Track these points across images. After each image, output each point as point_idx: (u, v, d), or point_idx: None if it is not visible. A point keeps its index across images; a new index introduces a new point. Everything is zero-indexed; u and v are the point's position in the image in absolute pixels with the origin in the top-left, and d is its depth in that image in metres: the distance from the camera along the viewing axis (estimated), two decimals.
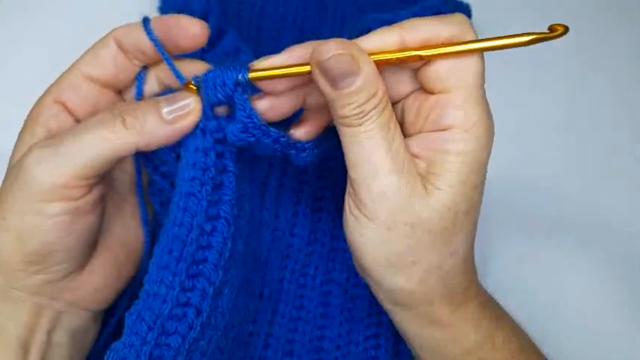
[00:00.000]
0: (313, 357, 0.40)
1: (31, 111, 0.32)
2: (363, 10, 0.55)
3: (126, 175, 0.35)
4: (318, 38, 0.52)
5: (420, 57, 0.28)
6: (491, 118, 0.29)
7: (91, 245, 0.32)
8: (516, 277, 0.44)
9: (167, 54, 0.31)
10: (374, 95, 0.28)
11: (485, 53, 0.28)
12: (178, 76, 0.31)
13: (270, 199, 0.40)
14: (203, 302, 0.29)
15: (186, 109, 0.29)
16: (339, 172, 0.41)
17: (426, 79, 0.29)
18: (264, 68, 0.29)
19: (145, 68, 0.33)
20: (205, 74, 0.29)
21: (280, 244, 0.40)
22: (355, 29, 0.40)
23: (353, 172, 0.29)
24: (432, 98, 0.29)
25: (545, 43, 0.48)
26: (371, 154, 0.28)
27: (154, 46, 0.31)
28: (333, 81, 0.27)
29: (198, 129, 0.30)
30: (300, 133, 0.32)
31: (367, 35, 0.28)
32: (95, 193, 0.30)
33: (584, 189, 0.49)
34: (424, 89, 0.30)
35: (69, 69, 0.32)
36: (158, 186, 0.34)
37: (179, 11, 0.45)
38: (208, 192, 0.29)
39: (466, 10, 0.50)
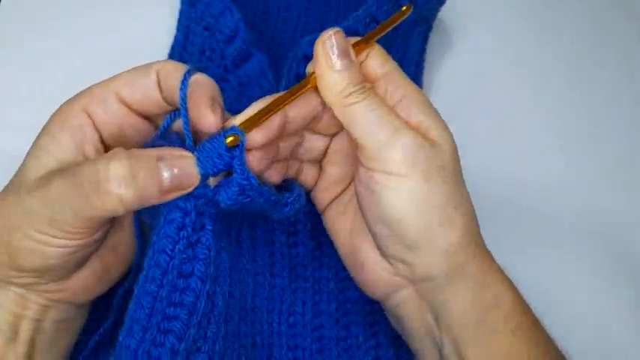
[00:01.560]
0: None
1: (57, 114, 0.31)
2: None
3: None
4: None
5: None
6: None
7: (86, 259, 0.33)
8: (513, 276, 0.44)
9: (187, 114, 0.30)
10: (362, 85, 0.32)
11: (489, 53, 0.31)
12: (190, 146, 0.30)
13: (246, 247, 0.39)
14: (174, 359, 0.29)
15: (187, 180, 0.29)
16: (308, 202, 0.40)
17: (366, 74, 0.34)
18: (251, 116, 0.30)
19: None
20: (199, 150, 0.29)
21: (263, 288, 0.40)
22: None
23: (372, 141, 0.31)
24: (379, 84, 0.34)
25: (544, 43, 0.47)
26: (385, 118, 0.31)
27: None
28: (345, 52, 0.31)
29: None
30: (269, 175, 0.34)
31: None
32: (100, 232, 0.31)
33: (583, 188, 0.49)
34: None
35: (102, 83, 0.32)
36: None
37: (207, 29, 0.46)
38: (182, 250, 0.29)
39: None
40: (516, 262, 0.44)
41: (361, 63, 0.33)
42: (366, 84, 0.32)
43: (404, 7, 0.36)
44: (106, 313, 0.36)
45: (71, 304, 0.34)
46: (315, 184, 0.38)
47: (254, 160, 0.31)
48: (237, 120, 0.31)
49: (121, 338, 0.29)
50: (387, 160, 0.31)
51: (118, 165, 0.27)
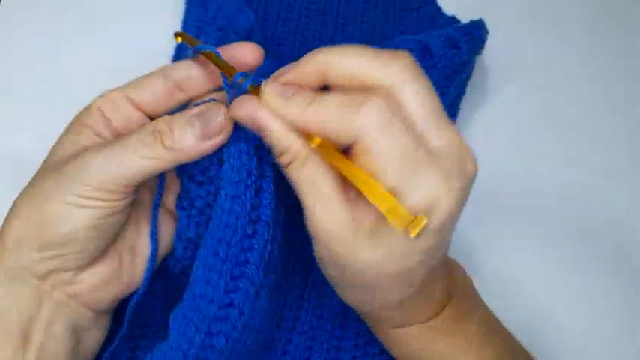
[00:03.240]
0: None
1: (78, 116, 0.34)
2: (365, 18, 0.55)
3: (148, 185, 0.36)
4: (320, 45, 0.53)
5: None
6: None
7: (109, 244, 0.33)
8: (509, 276, 0.45)
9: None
10: (286, 151, 0.28)
11: (485, 54, 0.28)
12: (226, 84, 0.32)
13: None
14: (245, 303, 0.30)
15: (219, 127, 0.31)
16: None
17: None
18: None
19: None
20: (227, 152, 0.31)
21: (305, 254, 0.39)
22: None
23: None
24: None
25: (544, 42, 0.47)
26: (301, 196, 0.29)
27: (198, 79, 0.34)
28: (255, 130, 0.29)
29: (242, 134, 0.31)
30: None
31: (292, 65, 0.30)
32: (129, 198, 0.32)
33: (581, 187, 0.49)
34: None
35: (114, 89, 0.34)
36: (191, 195, 0.34)
37: (220, 29, 0.47)
38: (251, 195, 0.30)
39: (485, 33, 0.50)
40: (514, 262, 0.46)
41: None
42: (283, 162, 0.29)
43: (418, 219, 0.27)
44: (119, 325, 0.36)
45: (84, 308, 0.33)
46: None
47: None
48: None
49: (193, 288, 0.30)
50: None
51: (161, 123, 0.31)
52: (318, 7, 0.55)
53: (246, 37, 0.46)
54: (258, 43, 0.45)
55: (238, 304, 0.30)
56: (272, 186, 0.31)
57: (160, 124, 0.31)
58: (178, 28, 0.51)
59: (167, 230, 0.37)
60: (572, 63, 0.54)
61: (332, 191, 0.28)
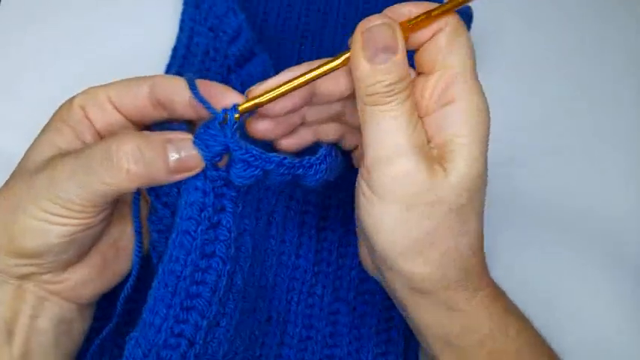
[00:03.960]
0: None
1: (58, 112, 0.33)
2: (365, 16, 0.55)
3: None
4: (320, 45, 0.53)
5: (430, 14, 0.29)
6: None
7: (86, 250, 0.33)
8: (513, 275, 0.44)
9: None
10: (404, 78, 0.29)
11: (484, 54, 0.29)
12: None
13: (276, 227, 0.40)
14: (196, 334, 0.30)
15: (192, 162, 0.30)
16: (344, 190, 0.41)
17: (424, 61, 0.30)
18: (262, 93, 0.31)
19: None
20: (196, 136, 0.30)
21: (287, 268, 0.41)
22: None
23: (372, 152, 0.29)
24: (433, 77, 0.30)
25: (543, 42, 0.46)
26: (394, 134, 0.29)
27: (185, 104, 0.32)
28: (374, 53, 0.28)
29: (200, 172, 0.31)
30: (287, 143, 0.34)
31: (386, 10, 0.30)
32: (104, 213, 0.31)
33: (584, 188, 0.49)
34: (423, 72, 0.31)
35: (99, 86, 0.33)
36: (159, 214, 0.34)
37: (212, 30, 0.47)
38: (204, 231, 0.30)
39: (468, 17, 0.50)
40: (512, 261, 0.45)
41: (424, 43, 0.30)
42: (397, 87, 0.29)
43: None
44: (109, 314, 0.36)
45: (70, 302, 0.33)
46: (356, 148, 0.38)
47: (267, 129, 0.32)
48: (259, 89, 0.31)
49: (144, 316, 0.30)
50: (375, 179, 0.30)
51: (129, 142, 0.29)
52: (318, 7, 0.55)
53: (235, 37, 0.46)
54: (247, 41, 0.46)
55: (188, 335, 0.30)
56: (232, 221, 0.31)
57: (129, 146, 0.29)
58: (176, 28, 0.51)
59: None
60: (572, 64, 0.54)
61: (422, 130, 0.30)
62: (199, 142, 0.30)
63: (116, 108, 0.33)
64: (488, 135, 0.30)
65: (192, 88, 0.31)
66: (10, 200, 0.30)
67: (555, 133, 0.51)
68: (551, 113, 0.52)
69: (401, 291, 0.33)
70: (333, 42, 0.54)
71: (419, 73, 0.32)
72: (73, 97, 0.33)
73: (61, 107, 0.33)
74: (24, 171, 0.31)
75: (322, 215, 0.43)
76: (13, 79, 0.50)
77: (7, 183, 0.32)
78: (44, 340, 0.32)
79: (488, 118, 0.30)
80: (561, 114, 0.52)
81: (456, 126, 0.29)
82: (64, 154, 0.30)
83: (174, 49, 0.50)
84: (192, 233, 0.30)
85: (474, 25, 0.50)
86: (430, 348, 0.34)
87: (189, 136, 0.30)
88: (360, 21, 0.54)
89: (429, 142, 0.30)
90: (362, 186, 0.31)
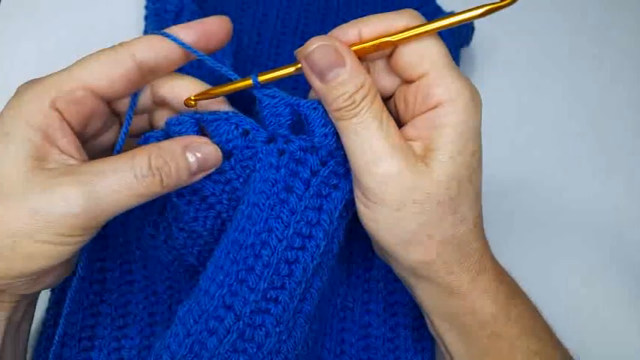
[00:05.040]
0: None
1: (16, 113, 0.29)
2: (365, 16, 0.55)
3: None
4: None
5: (392, 42, 0.29)
6: (472, 86, 0.30)
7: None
8: (513, 275, 0.44)
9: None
10: (362, 85, 0.29)
11: (483, 54, 0.28)
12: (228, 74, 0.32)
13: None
14: (243, 308, 0.30)
15: (210, 160, 0.31)
16: None
17: (402, 71, 0.30)
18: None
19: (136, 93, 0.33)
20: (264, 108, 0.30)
21: (332, 280, 0.41)
22: None
23: (354, 161, 0.30)
24: (414, 85, 0.30)
25: (542, 37, 0.46)
26: (369, 141, 0.29)
27: (174, 61, 0.31)
28: (321, 74, 0.29)
29: (275, 150, 0.31)
30: None
31: (332, 31, 0.30)
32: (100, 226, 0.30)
33: (580, 187, 0.49)
34: (405, 81, 0.31)
35: (68, 73, 0.30)
36: (205, 193, 0.34)
37: (157, 14, 0.46)
38: (270, 206, 0.31)
39: (470, 26, 0.50)
40: (517, 260, 0.44)
41: (391, 56, 0.31)
42: (358, 96, 0.29)
43: None
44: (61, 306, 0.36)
45: (27, 297, 0.33)
46: None
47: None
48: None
49: (200, 282, 0.31)
50: (364, 185, 0.30)
51: (156, 158, 0.29)
52: (317, 7, 0.54)
53: (177, 13, 0.45)
54: (192, 16, 0.44)
55: (237, 308, 0.30)
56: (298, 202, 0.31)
57: (158, 159, 0.29)
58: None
59: None
60: (564, 57, 0.54)
61: (397, 128, 0.30)
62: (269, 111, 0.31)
63: (96, 94, 0.30)
64: (475, 125, 0.30)
65: (174, 39, 0.31)
66: (6, 225, 0.27)
67: (556, 133, 0.51)
68: (552, 114, 0.52)
69: (407, 278, 0.34)
70: None
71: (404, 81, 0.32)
72: (40, 92, 0.29)
73: (12, 106, 0.29)
74: (7, 188, 0.28)
75: (350, 227, 0.42)
76: (13, 79, 0.49)
77: None
78: (10, 339, 0.32)
79: (474, 108, 0.30)
80: (562, 115, 0.52)
81: (439, 124, 0.30)
82: (59, 172, 0.28)
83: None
84: (261, 206, 0.31)
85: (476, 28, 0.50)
86: (435, 327, 0.35)
87: (204, 139, 0.31)
88: None
89: (414, 140, 0.31)
90: (356, 192, 0.31)
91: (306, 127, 0.31)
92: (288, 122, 0.31)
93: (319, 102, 0.30)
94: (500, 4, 0.28)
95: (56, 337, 0.35)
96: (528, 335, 0.33)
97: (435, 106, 0.29)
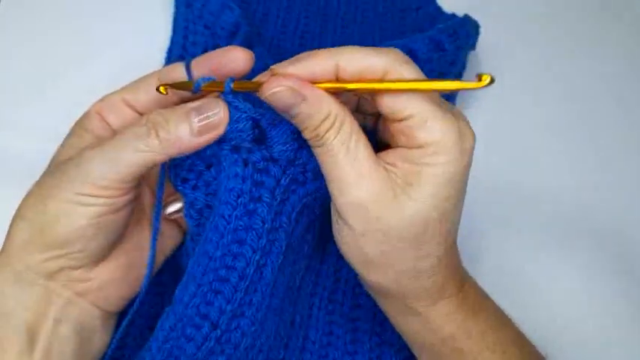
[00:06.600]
0: None
1: (79, 121, 0.36)
2: (365, 18, 0.55)
3: (150, 186, 0.37)
4: (319, 45, 0.53)
5: (354, 93, 0.29)
6: (463, 126, 0.30)
7: (112, 243, 0.34)
8: (507, 278, 0.45)
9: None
10: (326, 116, 0.29)
11: (483, 55, 0.28)
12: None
13: (312, 233, 0.39)
14: (219, 318, 0.31)
15: (215, 120, 0.31)
16: None
17: (384, 113, 0.30)
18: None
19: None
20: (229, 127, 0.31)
21: (312, 272, 0.41)
22: None
23: (328, 183, 0.31)
24: (397, 125, 0.30)
25: (546, 41, 0.46)
26: (335, 170, 0.30)
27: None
28: (284, 112, 0.29)
29: (240, 159, 0.31)
30: None
31: (304, 60, 0.29)
32: (129, 195, 0.32)
33: (579, 190, 0.49)
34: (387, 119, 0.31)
35: (111, 93, 0.36)
36: (198, 206, 0.34)
37: (208, 27, 0.47)
38: (238, 217, 0.31)
39: (476, 29, 0.50)
40: (507, 264, 0.45)
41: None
42: (322, 128, 0.29)
43: (484, 77, 0.27)
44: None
45: (95, 307, 0.34)
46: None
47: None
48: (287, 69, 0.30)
49: (176, 291, 0.32)
50: (337, 205, 0.31)
51: (156, 115, 0.31)
52: (318, 7, 0.55)
53: (233, 32, 0.46)
54: (246, 36, 0.45)
55: (213, 317, 0.31)
56: (266, 211, 0.31)
57: (154, 115, 0.31)
58: (169, 30, 0.50)
59: (167, 236, 0.38)
60: (568, 59, 0.54)
61: (369, 154, 0.30)
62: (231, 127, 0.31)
63: (131, 106, 0.35)
64: (456, 170, 0.29)
65: (187, 69, 0.33)
66: (42, 189, 0.32)
67: (558, 135, 0.51)
68: (548, 119, 0.52)
69: (370, 292, 0.36)
70: (332, 42, 0.53)
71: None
72: (90, 108, 0.36)
73: (80, 118, 0.36)
74: (54, 165, 0.34)
75: None
76: (13, 79, 0.50)
77: (39, 178, 0.33)
78: (65, 348, 0.32)
79: (458, 153, 0.29)
80: (562, 116, 0.52)
81: (419, 163, 0.29)
82: (89, 145, 0.33)
83: (169, 51, 0.49)
84: (227, 217, 0.31)
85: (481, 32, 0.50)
86: (405, 338, 0.37)
87: (211, 97, 0.32)
88: (359, 22, 0.54)
89: (394, 166, 0.30)
90: (333, 209, 0.32)
91: (267, 140, 0.31)
92: (250, 136, 0.31)
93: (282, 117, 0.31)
94: (475, 84, 0.27)
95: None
96: (491, 350, 0.34)
97: (418, 147, 0.29)
